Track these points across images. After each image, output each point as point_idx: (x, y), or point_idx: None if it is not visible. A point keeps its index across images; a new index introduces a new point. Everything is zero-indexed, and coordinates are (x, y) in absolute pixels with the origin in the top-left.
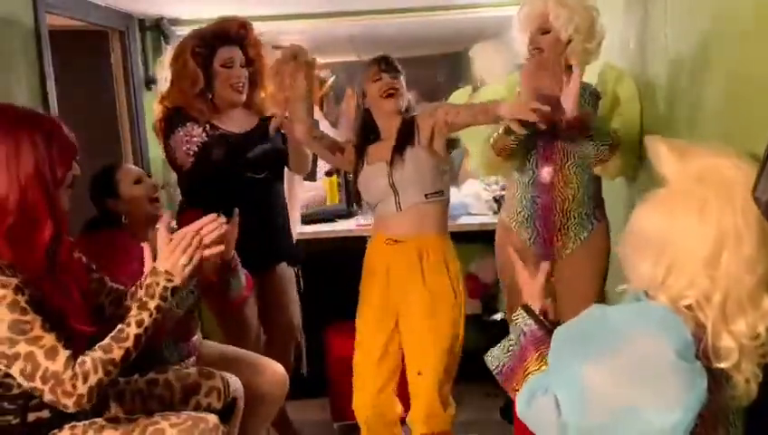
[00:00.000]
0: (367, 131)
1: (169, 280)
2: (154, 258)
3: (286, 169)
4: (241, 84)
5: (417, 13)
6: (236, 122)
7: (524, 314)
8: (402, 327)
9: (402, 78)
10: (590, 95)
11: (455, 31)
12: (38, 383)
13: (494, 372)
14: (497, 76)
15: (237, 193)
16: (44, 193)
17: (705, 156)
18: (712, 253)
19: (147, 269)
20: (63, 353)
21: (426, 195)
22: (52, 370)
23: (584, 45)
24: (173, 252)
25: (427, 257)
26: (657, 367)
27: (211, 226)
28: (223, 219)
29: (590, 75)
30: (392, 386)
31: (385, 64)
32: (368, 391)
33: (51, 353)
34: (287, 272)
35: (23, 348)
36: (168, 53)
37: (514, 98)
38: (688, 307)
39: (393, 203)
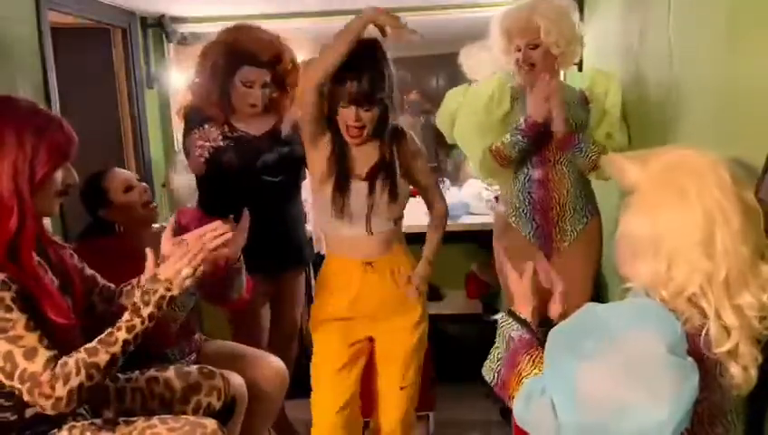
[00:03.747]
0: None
1: (168, 289)
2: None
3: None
4: (258, 105)
5: (419, 12)
6: (255, 123)
7: (510, 320)
8: (381, 343)
9: (377, 108)
10: (578, 100)
11: (456, 30)
12: (16, 383)
13: (491, 385)
14: (485, 76)
15: (252, 196)
16: (15, 188)
17: (665, 152)
18: (704, 234)
19: (148, 273)
20: (44, 355)
21: (394, 220)
22: (30, 371)
23: (573, 53)
24: (177, 261)
25: (398, 272)
26: (648, 363)
27: (216, 232)
28: (229, 226)
29: (579, 79)
30: (357, 400)
31: (357, 94)
32: (334, 405)
33: (30, 354)
34: (299, 276)
35: (2, 346)
36: (178, 53)
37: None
38: (691, 297)
39: (363, 226)
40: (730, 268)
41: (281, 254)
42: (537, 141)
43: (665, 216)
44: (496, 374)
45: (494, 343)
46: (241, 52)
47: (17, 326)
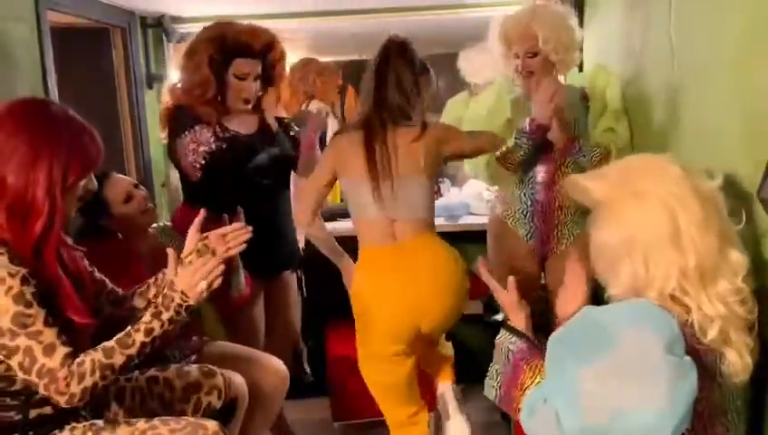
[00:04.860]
0: None
1: (184, 300)
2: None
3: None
4: (251, 99)
5: (421, 12)
6: (244, 123)
7: (507, 334)
8: None
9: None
10: (580, 98)
11: (458, 30)
12: (34, 377)
13: (495, 402)
14: (485, 80)
15: (245, 199)
16: (48, 192)
17: (620, 162)
18: (670, 227)
19: (169, 275)
20: (61, 351)
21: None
22: (48, 367)
23: (572, 59)
24: (195, 274)
25: None
26: (646, 364)
27: (237, 233)
28: (248, 228)
29: (579, 79)
30: None
31: None
32: None
33: (49, 350)
34: (290, 277)
35: (23, 341)
36: (178, 53)
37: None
38: (673, 295)
39: None
40: (701, 257)
41: (274, 255)
42: (542, 144)
43: (629, 218)
44: (498, 389)
45: (495, 345)
46: (234, 44)
47: (37, 322)
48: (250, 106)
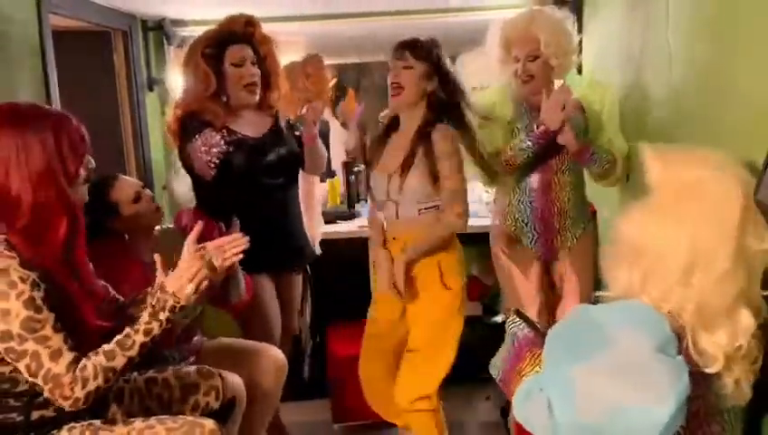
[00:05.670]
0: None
1: (176, 301)
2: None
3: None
4: (253, 84)
5: (419, 15)
6: (252, 125)
7: (517, 319)
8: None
9: (420, 66)
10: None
11: (456, 34)
12: (39, 381)
13: (496, 380)
14: (482, 83)
15: (255, 199)
16: (57, 190)
17: (689, 166)
18: (685, 268)
19: (158, 279)
20: (67, 356)
21: (419, 210)
22: (54, 372)
23: (570, 63)
24: (182, 276)
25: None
26: (638, 363)
27: (235, 244)
28: (245, 237)
29: (577, 82)
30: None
31: (401, 48)
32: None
33: (55, 355)
34: (297, 277)
35: (30, 346)
36: (178, 56)
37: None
38: (668, 314)
39: (393, 211)
40: (703, 302)
41: (283, 252)
42: (542, 149)
43: (655, 232)
44: (500, 371)
45: (496, 343)
46: (218, 34)
47: (46, 326)
48: (256, 96)
